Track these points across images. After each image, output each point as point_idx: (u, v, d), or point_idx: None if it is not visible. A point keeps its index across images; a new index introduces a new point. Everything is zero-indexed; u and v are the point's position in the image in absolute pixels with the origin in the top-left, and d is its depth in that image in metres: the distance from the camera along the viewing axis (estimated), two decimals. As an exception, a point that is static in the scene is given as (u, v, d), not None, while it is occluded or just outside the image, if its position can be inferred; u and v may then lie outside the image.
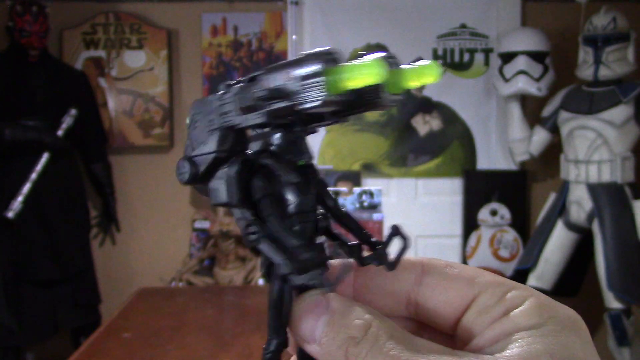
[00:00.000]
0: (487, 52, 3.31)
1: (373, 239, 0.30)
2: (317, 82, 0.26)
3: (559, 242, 2.82)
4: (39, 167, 2.71)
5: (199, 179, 0.30)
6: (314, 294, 0.28)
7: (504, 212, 3.23)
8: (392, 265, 0.29)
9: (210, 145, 0.30)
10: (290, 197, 0.28)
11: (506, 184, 3.30)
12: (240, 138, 0.30)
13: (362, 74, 0.25)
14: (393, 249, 0.30)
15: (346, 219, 0.30)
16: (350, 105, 0.28)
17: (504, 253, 3.21)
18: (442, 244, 3.39)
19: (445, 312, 0.30)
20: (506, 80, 2.95)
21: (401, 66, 0.28)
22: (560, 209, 2.83)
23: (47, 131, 2.74)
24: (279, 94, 0.27)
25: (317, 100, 0.26)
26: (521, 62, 2.92)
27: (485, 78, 3.31)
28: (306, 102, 0.26)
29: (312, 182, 0.29)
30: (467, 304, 0.29)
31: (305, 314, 0.27)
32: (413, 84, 0.28)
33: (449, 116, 3.34)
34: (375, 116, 3.34)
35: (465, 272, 0.30)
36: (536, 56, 2.93)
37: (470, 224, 3.29)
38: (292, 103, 0.26)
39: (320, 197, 0.30)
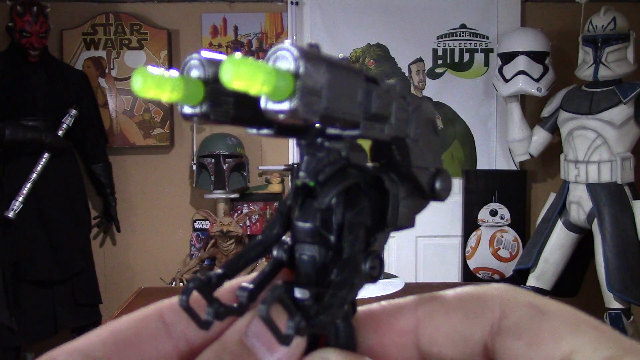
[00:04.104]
0: (487, 52, 3.32)
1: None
2: None
3: (558, 242, 2.82)
4: (39, 167, 2.71)
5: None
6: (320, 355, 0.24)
7: (504, 212, 3.23)
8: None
9: None
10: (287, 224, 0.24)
11: (506, 184, 3.30)
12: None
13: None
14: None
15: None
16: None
17: (504, 253, 3.21)
18: (442, 244, 3.39)
19: None
20: (506, 80, 2.95)
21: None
22: (560, 209, 2.83)
23: (47, 131, 2.74)
24: None
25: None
26: (521, 62, 2.92)
27: (485, 78, 3.31)
28: None
29: (315, 208, 0.23)
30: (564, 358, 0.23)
31: None
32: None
33: (449, 116, 3.34)
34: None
35: (561, 316, 0.24)
36: (536, 56, 2.93)
37: (470, 224, 3.29)
38: None
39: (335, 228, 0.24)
